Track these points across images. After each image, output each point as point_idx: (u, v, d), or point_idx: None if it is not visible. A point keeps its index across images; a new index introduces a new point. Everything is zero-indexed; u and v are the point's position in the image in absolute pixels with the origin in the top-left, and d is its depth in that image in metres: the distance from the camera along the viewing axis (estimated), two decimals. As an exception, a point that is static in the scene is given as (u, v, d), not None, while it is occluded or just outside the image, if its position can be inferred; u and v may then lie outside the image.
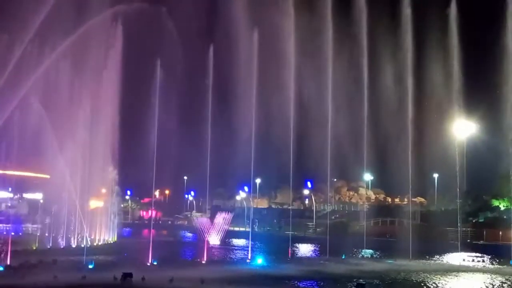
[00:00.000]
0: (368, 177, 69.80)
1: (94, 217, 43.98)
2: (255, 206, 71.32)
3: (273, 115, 39.73)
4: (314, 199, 76.56)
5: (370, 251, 41.54)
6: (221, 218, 49.54)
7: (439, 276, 29.10)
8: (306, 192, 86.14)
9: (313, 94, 40.73)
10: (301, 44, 39.86)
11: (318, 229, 62.35)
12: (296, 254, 39.61)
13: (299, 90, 39.82)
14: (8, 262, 28.20)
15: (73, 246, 39.86)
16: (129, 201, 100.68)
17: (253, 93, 38.29)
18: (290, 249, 37.36)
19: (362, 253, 40.79)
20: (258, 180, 67.22)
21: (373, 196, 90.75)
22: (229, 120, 40.76)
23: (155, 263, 30.88)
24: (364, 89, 40.85)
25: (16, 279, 23.76)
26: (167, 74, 38.01)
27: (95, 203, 46.99)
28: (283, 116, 39.23)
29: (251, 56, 38.90)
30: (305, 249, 47.50)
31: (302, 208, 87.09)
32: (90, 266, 28.37)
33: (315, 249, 47.16)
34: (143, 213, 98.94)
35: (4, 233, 43.59)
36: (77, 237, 40.78)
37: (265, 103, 39.24)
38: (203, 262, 32.60)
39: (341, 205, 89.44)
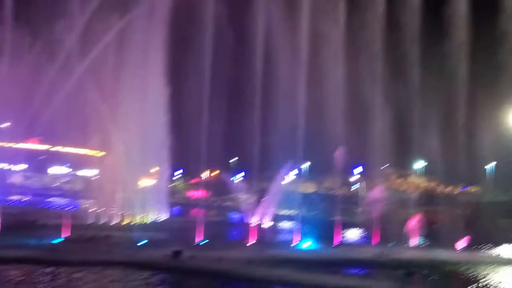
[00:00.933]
0: (419, 164, 68.38)
1: (146, 195, 45.16)
2: (302, 190, 71.20)
3: (323, 101, 39.40)
4: (363, 186, 75.77)
5: (419, 239, 40.83)
6: (271, 198, 49.68)
7: (491, 269, 28.36)
8: (354, 178, 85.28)
9: (363, 79, 40.02)
10: (350, 23, 39.17)
11: (365, 216, 61.72)
12: (343, 240, 39.42)
13: (348, 76, 39.27)
14: (68, 234, 29.56)
15: (124, 223, 41.11)
16: (179, 180, 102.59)
17: (302, 92, 38.31)
18: (336, 235, 37.22)
19: (410, 241, 40.15)
20: (306, 164, 67.05)
21: (424, 184, 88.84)
22: (279, 105, 40.79)
23: (203, 242, 31.50)
24: (415, 76, 39.73)
25: (72, 253, 24.78)
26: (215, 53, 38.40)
27: (146, 181, 48.26)
28: (333, 103, 38.89)
29: (299, 40, 38.63)
30: (351, 235, 47.26)
31: (350, 194, 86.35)
32: (141, 243, 29.22)
33: (361, 236, 46.84)
34: (191, 193, 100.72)
35: (62, 207, 45.57)
36: (128, 214, 42.05)
37: (316, 91, 38.99)
38: (250, 243, 32.98)
39: (389, 193, 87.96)
